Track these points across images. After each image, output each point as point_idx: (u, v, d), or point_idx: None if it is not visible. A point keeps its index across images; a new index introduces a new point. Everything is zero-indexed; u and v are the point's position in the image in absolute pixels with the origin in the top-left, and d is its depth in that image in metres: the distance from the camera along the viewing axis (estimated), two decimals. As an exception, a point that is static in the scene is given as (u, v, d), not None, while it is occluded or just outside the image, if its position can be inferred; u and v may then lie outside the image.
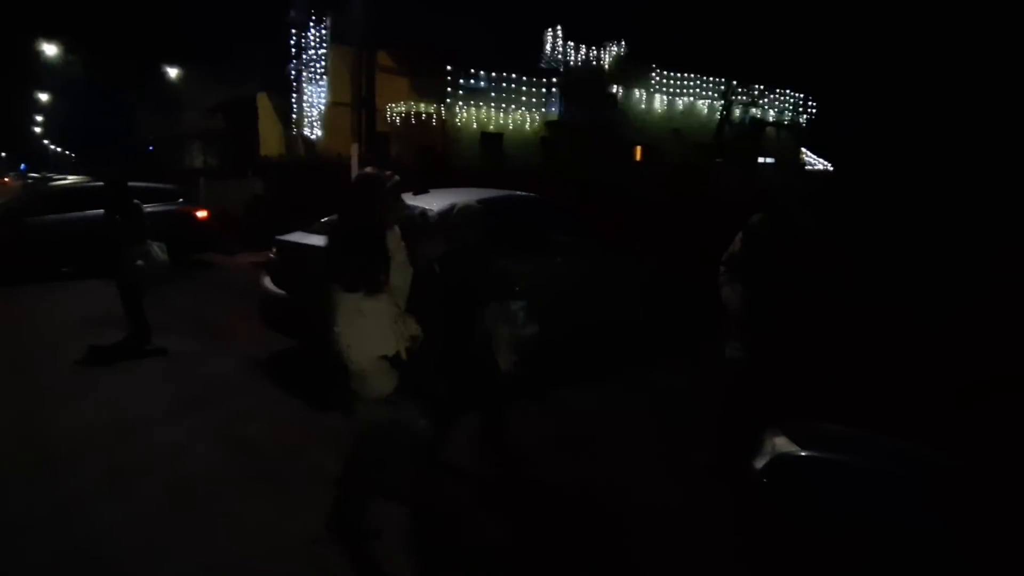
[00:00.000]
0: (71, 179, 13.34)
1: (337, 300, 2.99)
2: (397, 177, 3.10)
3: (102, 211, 6.60)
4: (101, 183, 7.03)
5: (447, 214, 4.18)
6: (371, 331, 3.00)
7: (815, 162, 34.21)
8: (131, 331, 6.60)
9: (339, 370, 3.12)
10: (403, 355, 3.07)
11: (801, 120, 34.89)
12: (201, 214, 12.55)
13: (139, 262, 6.42)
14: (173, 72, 31.29)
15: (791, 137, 33.75)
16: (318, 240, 6.10)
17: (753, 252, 3.93)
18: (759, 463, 2.79)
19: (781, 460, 2.79)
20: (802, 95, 34.53)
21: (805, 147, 34.69)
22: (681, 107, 29.42)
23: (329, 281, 3.01)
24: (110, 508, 3.81)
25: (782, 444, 2.79)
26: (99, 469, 4.27)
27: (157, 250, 6.62)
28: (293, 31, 22.75)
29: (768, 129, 32.18)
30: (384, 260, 3.00)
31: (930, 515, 2.45)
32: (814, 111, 35.33)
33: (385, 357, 3.04)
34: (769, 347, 3.81)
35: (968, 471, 2.59)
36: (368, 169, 3.22)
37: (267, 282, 6.32)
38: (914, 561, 2.39)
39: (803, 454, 2.77)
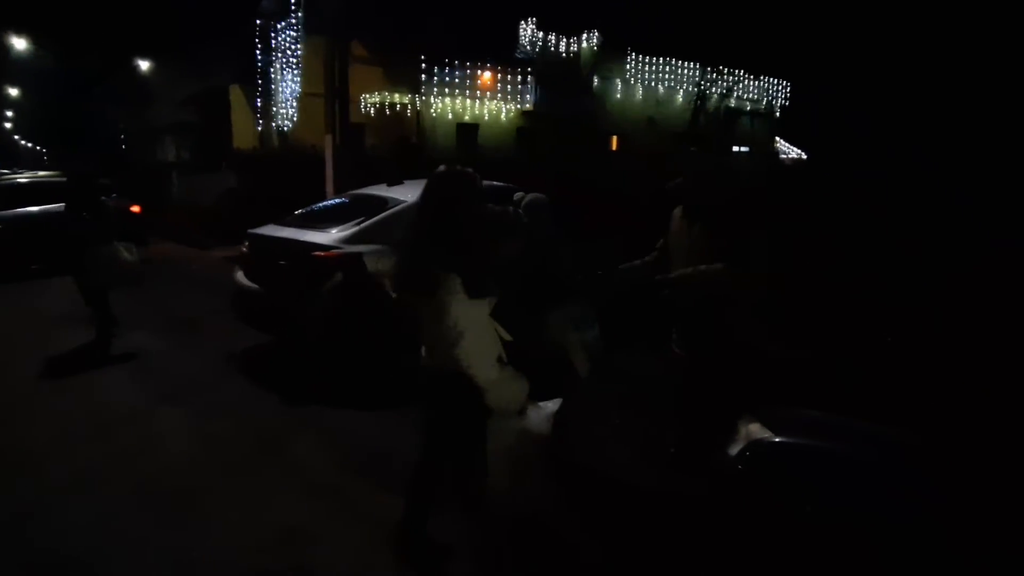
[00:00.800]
0: (28, 174, 13.01)
1: (448, 307, 2.71)
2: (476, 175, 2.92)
3: (63, 207, 6.43)
4: (64, 178, 6.89)
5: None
6: (490, 338, 2.85)
7: (789, 150, 34.53)
8: (101, 329, 6.46)
9: (436, 380, 2.93)
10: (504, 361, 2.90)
11: (775, 109, 35.16)
12: (135, 208, 12.45)
13: (107, 262, 6.27)
14: (145, 65, 30.77)
15: (765, 125, 34.01)
16: (290, 233, 6.10)
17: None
18: (733, 450, 2.80)
19: (756, 447, 2.81)
20: (776, 83, 34.78)
21: (779, 135, 35.00)
22: (657, 97, 29.49)
23: (430, 287, 2.73)
24: (80, 507, 3.75)
25: (756, 431, 2.80)
26: (69, 468, 4.20)
27: (125, 250, 6.47)
28: (265, 22, 22.44)
29: (742, 118, 32.39)
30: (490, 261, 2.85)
31: (910, 498, 2.47)
32: (788, 100, 35.61)
33: (500, 363, 2.88)
34: (706, 340, 3.70)
35: (944, 453, 2.61)
36: (444, 167, 2.96)
37: (240, 276, 6.24)
38: (895, 545, 2.41)
39: (777, 440, 2.79)
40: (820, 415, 2.90)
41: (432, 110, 23.07)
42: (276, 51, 22.48)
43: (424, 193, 2.93)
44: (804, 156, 33.03)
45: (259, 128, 23.62)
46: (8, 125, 58.39)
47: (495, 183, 7.13)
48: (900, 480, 2.54)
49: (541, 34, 25.78)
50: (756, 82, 33.60)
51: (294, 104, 22.11)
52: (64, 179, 6.73)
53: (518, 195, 4.23)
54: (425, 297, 2.78)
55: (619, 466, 4.04)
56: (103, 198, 6.47)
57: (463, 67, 23.46)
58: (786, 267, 5.14)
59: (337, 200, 7.64)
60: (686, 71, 30.30)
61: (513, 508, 3.18)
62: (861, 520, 2.48)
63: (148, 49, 26.92)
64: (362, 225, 5.76)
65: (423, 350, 2.98)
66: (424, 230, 2.84)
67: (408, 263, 2.86)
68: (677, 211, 3.86)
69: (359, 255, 5.49)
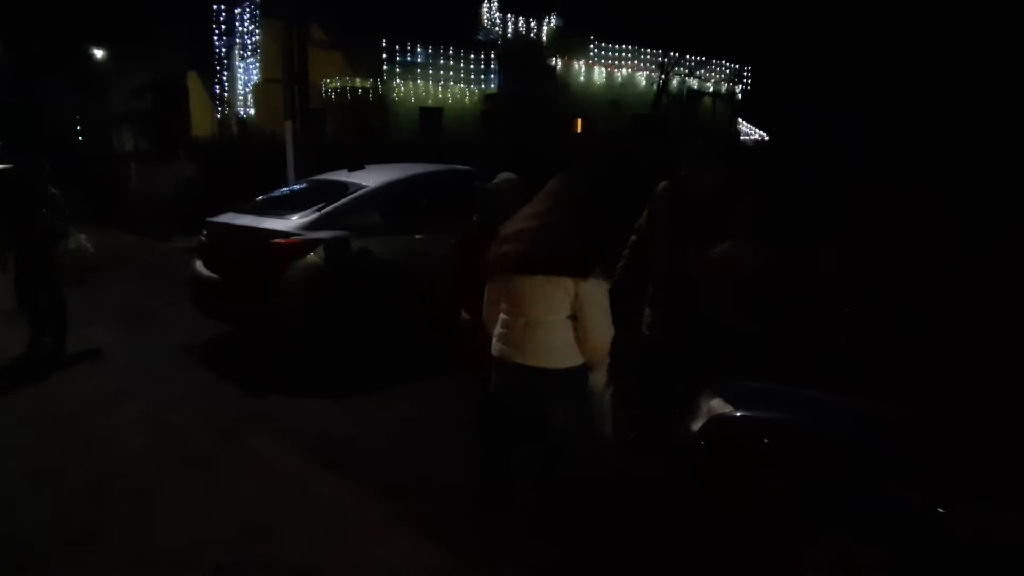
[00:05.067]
0: None
1: (587, 287, 2.62)
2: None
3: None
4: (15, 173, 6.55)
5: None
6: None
7: (751, 132, 34.87)
8: (57, 326, 6.19)
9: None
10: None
11: (737, 91, 35.44)
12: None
13: (67, 256, 6.09)
14: (99, 53, 29.86)
15: (727, 107, 34.27)
16: (250, 220, 5.97)
17: (655, 220, 3.88)
18: (695, 425, 2.81)
19: (718, 421, 2.82)
20: (738, 66, 35.03)
21: (741, 117, 35.31)
22: (620, 79, 29.51)
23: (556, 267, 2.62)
24: (34, 502, 3.66)
25: (717, 405, 2.81)
26: (23, 464, 4.08)
27: (84, 241, 6.25)
28: (223, 6, 21.92)
29: (705, 100, 32.59)
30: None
31: (876, 468, 2.49)
32: (749, 82, 35.90)
33: None
34: (675, 320, 3.71)
35: (913, 423, 2.62)
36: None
37: (199, 265, 6.10)
38: (862, 516, 2.42)
39: (739, 414, 2.81)
40: (777, 387, 2.92)
41: (394, 94, 22.81)
42: (234, 37, 22.00)
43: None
44: (766, 137, 33.39)
45: (218, 116, 23.12)
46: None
47: (457, 167, 7.08)
48: (864, 450, 2.55)
49: (501, 16, 25.57)
50: (718, 65, 33.81)
51: (253, 90, 21.69)
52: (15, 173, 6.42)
53: (478, 183, 4.16)
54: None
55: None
56: (54, 191, 6.15)
57: (425, 51, 23.21)
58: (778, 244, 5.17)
59: (297, 186, 7.51)
60: (648, 54, 30.36)
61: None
62: (827, 491, 2.50)
63: (100, 37, 26.11)
64: (323, 211, 5.67)
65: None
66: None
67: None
68: (662, 197, 3.85)
69: (343, 239, 5.41)
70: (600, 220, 2.69)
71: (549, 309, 2.66)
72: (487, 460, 3.28)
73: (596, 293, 2.63)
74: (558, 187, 2.82)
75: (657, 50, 30.24)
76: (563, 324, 2.67)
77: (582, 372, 2.76)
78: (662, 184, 3.90)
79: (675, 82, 30.88)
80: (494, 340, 2.86)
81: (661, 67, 29.94)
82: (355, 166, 6.50)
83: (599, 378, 2.87)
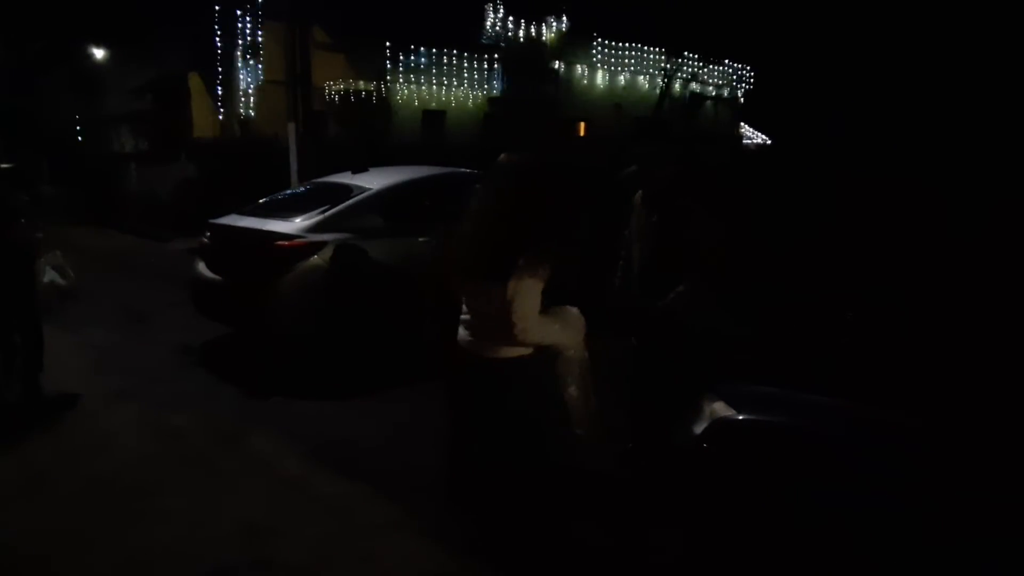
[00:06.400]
0: None
1: (512, 286, 2.66)
2: None
3: None
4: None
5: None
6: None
7: (753, 135, 34.88)
8: (31, 361, 5.11)
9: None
10: None
11: (739, 94, 35.44)
12: None
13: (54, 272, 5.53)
14: (99, 53, 29.89)
15: (729, 111, 34.27)
16: (253, 222, 5.97)
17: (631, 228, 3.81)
18: (697, 429, 2.80)
19: (720, 425, 2.81)
20: (741, 68, 35.03)
21: (743, 120, 35.31)
22: (623, 82, 29.51)
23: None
24: (31, 504, 3.65)
25: (720, 409, 2.80)
26: (19, 467, 4.07)
27: (60, 259, 5.71)
28: (224, 7, 21.91)
29: (707, 103, 32.59)
30: None
31: (878, 472, 2.48)
32: (752, 85, 35.90)
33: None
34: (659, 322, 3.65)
35: (917, 429, 2.61)
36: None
37: (201, 267, 6.09)
38: (865, 521, 2.41)
39: (741, 418, 2.80)
40: (780, 391, 2.90)
41: (398, 97, 22.81)
42: (236, 37, 22.00)
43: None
44: (768, 141, 33.39)
45: (220, 117, 23.12)
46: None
47: (461, 170, 7.07)
48: (864, 454, 2.55)
49: (503, 19, 25.56)
50: (720, 68, 33.82)
51: (255, 91, 21.69)
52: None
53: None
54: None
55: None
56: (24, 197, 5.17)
57: (428, 53, 23.22)
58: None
59: (301, 188, 7.52)
60: (651, 57, 30.37)
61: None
62: (831, 497, 2.49)
63: (100, 36, 26.13)
64: (326, 213, 5.67)
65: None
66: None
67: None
68: (637, 202, 3.82)
69: (327, 244, 5.41)
70: (521, 224, 2.68)
71: (487, 302, 2.71)
72: (453, 452, 3.25)
73: (520, 292, 2.63)
74: (490, 189, 2.86)
75: (660, 53, 30.24)
76: (503, 316, 2.68)
77: (527, 363, 2.76)
78: (638, 193, 3.87)
79: (678, 85, 30.89)
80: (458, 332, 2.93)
81: (664, 70, 29.93)
82: (359, 168, 6.50)
83: (563, 370, 2.84)
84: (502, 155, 2.89)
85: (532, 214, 2.71)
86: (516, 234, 2.67)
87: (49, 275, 5.55)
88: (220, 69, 22.64)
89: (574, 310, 2.88)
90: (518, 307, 2.64)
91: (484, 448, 2.92)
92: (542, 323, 2.72)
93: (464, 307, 2.89)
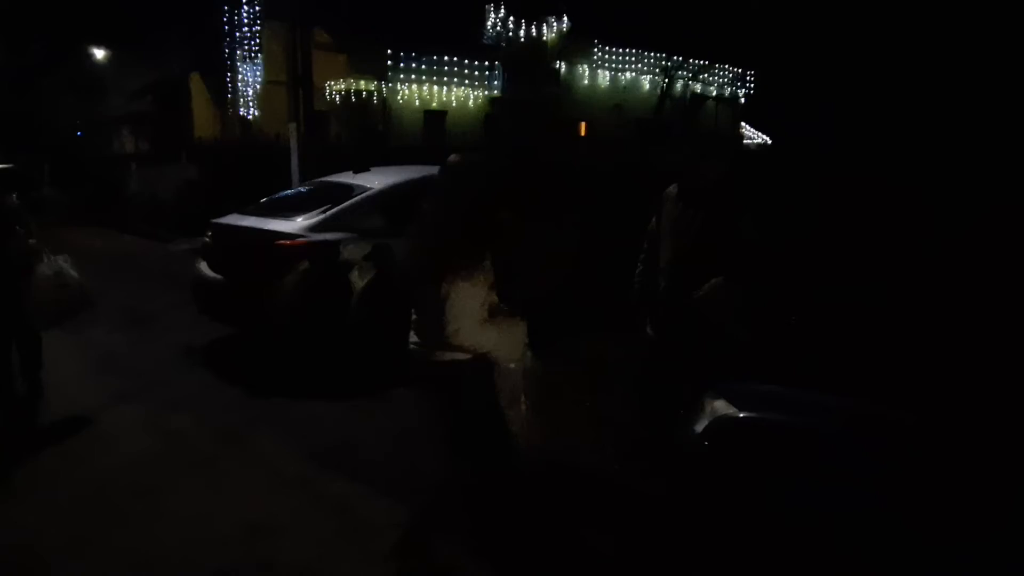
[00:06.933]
0: None
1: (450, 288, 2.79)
2: None
3: None
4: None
5: None
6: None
7: (754, 136, 34.84)
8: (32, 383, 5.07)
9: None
10: None
11: (740, 94, 35.43)
12: None
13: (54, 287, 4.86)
14: (100, 54, 29.94)
15: (730, 111, 34.25)
16: (255, 222, 5.97)
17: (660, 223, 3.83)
18: (699, 427, 2.79)
19: (721, 423, 2.81)
20: (742, 69, 35.02)
21: (744, 121, 35.28)
22: (624, 83, 29.51)
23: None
24: (32, 504, 3.65)
25: (721, 407, 2.80)
26: (24, 465, 4.08)
27: (65, 265, 5.02)
28: (225, 7, 21.94)
29: (708, 103, 32.58)
30: None
31: (879, 471, 2.48)
32: (752, 86, 35.88)
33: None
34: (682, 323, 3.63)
35: (921, 428, 2.61)
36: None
37: (203, 267, 6.11)
38: (866, 520, 2.41)
39: (742, 416, 2.79)
40: (782, 389, 2.90)
41: (399, 97, 22.84)
42: (237, 38, 22.03)
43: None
44: (769, 142, 33.36)
45: (221, 118, 23.16)
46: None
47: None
48: (865, 452, 2.55)
49: (508, 20, 25.57)
50: (721, 69, 33.81)
51: (256, 92, 21.72)
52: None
53: None
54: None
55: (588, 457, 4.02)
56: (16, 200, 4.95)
57: (429, 53, 23.24)
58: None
59: (302, 188, 7.52)
60: (652, 58, 30.36)
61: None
62: (833, 496, 2.49)
63: (100, 37, 26.16)
64: (328, 213, 5.68)
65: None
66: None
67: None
68: (669, 196, 3.82)
69: (329, 243, 5.41)
70: (463, 227, 2.72)
71: (431, 305, 2.75)
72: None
73: (454, 295, 2.69)
74: (437, 191, 2.95)
75: (661, 54, 30.24)
76: (441, 318, 2.74)
77: (463, 367, 2.79)
78: (669, 188, 3.88)
79: (679, 86, 30.89)
80: None
81: (665, 71, 29.93)
82: (360, 168, 6.51)
83: (500, 382, 2.84)
84: (451, 156, 2.92)
85: (474, 217, 2.72)
86: (456, 237, 2.70)
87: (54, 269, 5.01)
88: (221, 70, 22.67)
89: (520, 323, 2.89)
90: (450, 308, 2.68)
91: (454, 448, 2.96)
92: (479, 329, 2.74)
93: (413, 310, 2.92)
